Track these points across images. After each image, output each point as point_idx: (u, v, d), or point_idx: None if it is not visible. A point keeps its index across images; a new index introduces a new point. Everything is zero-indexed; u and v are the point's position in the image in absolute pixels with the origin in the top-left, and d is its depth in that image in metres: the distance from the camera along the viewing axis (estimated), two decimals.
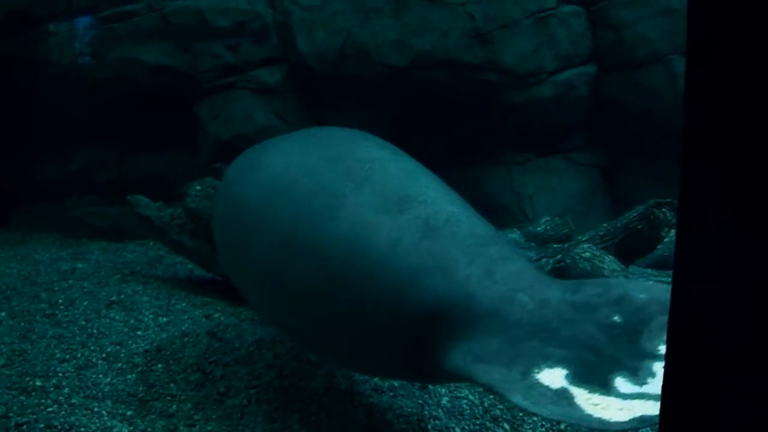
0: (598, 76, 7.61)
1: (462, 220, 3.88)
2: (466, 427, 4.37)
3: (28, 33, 8.78)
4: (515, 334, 3.40)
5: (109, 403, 4.79)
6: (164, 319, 6.18)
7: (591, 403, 3.11)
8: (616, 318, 3.38)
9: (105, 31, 8.39)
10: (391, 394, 4.83)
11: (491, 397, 4.70)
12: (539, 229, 5.94)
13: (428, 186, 4.16)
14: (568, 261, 4.90)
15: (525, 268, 3.71)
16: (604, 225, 5.34)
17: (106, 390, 4.97)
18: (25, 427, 4.52)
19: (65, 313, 6.38)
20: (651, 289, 3.50)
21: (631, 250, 5.12)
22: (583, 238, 5.31)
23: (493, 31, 7.25)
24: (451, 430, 4.35)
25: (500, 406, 4.59)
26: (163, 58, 8.09)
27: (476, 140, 7.75)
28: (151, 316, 6.26)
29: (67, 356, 5.53)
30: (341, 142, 4.75)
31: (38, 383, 5.11)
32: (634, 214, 5.08)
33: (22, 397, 4.91)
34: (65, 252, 8.31)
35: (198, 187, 6.57)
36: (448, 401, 4.69)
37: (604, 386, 3.16)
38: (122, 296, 6.72)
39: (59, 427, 4.49)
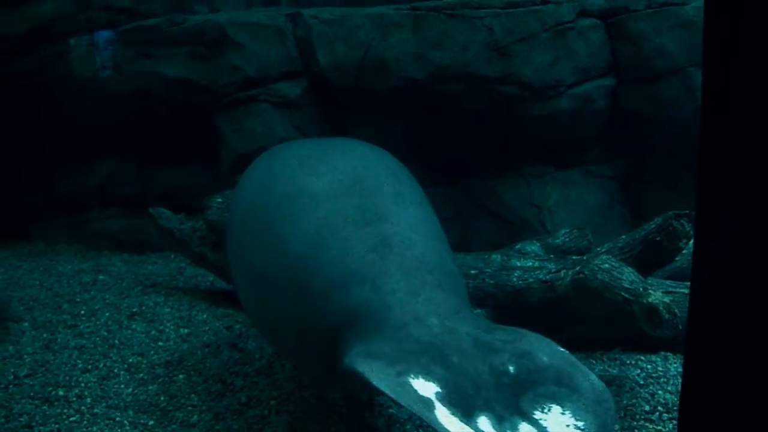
0: (616, 89, 7.61)
1: (416, 246, 4.06)
2: None
3: (50, 47, 8.85)
4: (410, 347, 3.56)
5: (131, 413, 4.83)
6: (185, 330, 6.22)
7: (447, 418, 3.23)
8: (510, 368, 3.47)
9: (126, 45, 8.45)
10: None
11: None
12: (558, 241, 5.95)
13: (406, 211, 4.35)
14: (587, 272, 4.92)
15: (451, 300, 3.85)
16: (623, 237, 5.34)
17: (128, 400, 5.01)
18: None
19: (87, 324, 6.43)
20: (558, 356, 3.56)
21: (649, 261, 5.12)
22: (602, 250, 5.31)
23: (512, 44, 7.27)
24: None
25: None
26: (183, 71, 8.14)
27: (495, 153, 7.77)
28: (172, 327, 6.30)
29: (90, 366, 5.58)
30: (343, 154, 4.92)
31: (61, 393, 5.16)
32: (653, 226, 5.07)
33: (44, 407, 4.96)
34: (87, 264, 8.36)
35: (219, 200, 6.60)
36: None
37: (466, 415, 3.27)
38: (144, 308, 6.77)
39: None
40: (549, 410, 3.29)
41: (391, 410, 4.77)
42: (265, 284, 4.39)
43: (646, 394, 4.82)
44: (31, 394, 5.16)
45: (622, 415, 4.56)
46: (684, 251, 5.16)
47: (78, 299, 7.12)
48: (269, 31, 7.93)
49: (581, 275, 4.96)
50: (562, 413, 3.29)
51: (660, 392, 4.83)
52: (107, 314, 6.66)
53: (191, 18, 8.15)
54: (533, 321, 5.25)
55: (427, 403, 3.29)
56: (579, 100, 7.46)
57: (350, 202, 4.30)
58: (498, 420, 3.27)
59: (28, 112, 8.91)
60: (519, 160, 7.82)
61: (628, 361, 5.33)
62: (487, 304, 5.39)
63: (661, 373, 5.11)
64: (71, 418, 4.78)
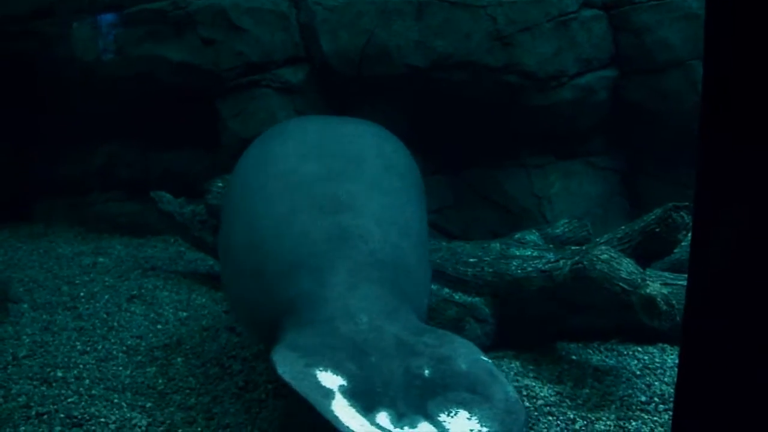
0: (619, 80, 7.60)
1: (373, 240, 4.14)
2: None
3: (53, 30, 8.85)
4: (333, 342, 3.65)
5: (128, 395, 4.84)
6: (184, 313, 6.24)
7: (343, 408, 3.31)
8: (426, 371, 3.54)
9: (129, 28, 8.44)
10: None
11: None
12: (557, 231, 5.96)
13: (378, 200, 4.43)
14: (585, 263, 4.92)
15: (389, 298, 3.91)
16: (622, 228, 5.35)
17: (126, 382, 5.02)
18: (45, 417, 4.57)
19: (86, 306, 6.45)
20: (477, 364, 3.61)
21: (648, 252, 5.12)
22: (601, 241, 5.32)
23: (515, 34, 7.26)
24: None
25: None
26: (186, 55, 8.13)
27: (496, 142, 7.77)
28: (171, 310, 6.32)
29: (88, 348, 5.59)
30: (340, 136, 5.07)
31: (59, 374, 5.17)
32: (652, 217, 5.08)
33: (43, 388, 4.97)
34: (87, 246, 8.38)
35: (220, 184, 6.61)
36: None
37: (366, 409, 3.35)
38: (143, 291, 6.78)
39: (79, 417, 4.54)
40: (455, 414, 3.35)
41: None
42: (233, 260, 4.53)
43: (643, 385, 4.83)
44: (30, 374, 5.17)
45: (619, 405, 4.58)
46: (683, 243, 5.16)
47: (77, 281, 7.13)
48: (273, 16, 7.93)
49: (580, 265, 4.97)
50: (469, 418, 3.34)
51: (656, 383, 4.84)
52: (106, 297, 6.67)
53: (195, 2, 8.13)
54: (532, 310, 5.29)
55: (327, 393, 3.37)
56: (581, 91, 7.46)
57: (324, 189, 4.39)
58: (398, 417, 3.33)
59: (30, 94, 8.92)
60: (520, 149, 7.83)
61: (625, 352, 5.35)
62: (486, 293, 5.40)
63: (658, 365, 5.12)
64: (69, 399, 4.79)
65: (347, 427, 3.22)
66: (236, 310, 4.72)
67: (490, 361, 3.64)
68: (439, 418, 3.33)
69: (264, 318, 4.13)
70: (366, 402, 3.38)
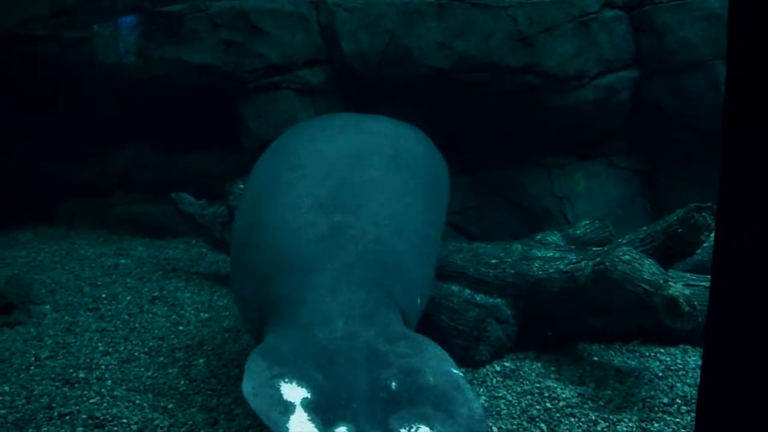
0: (640, 81, 7.58)
1: (365, 241, 4.13)
2: (503, 427, 4.38)
3: (74, 33, 8.88)
4: (305, 350, 3.65)
5: (150, 395, 4.85)
6: (206, 315, 6.25)
7: (301, 424, 3.32)
8: (393, 384, 3.52)
9: (149, 31, 8.46)
10: None
11: (529, 397, 4.73)
12: (579, 232, 5.94)
13: (378, 199, 4.43)
14: (607, 263, 4.91)
15: (371, 301, 3.90)
16: (644, 228, 5.33)
17: (147, 383, 5.04)
18: (68, 417, 4.59)
19: (108, 307, 6.47)
20: (446, 378, 3.58)
21: (671, 253, 5.10)
22: (623, 241, 5.31)
23: (536, 35, 7.25)
24: (489, 429, 4.37)
25: (538, 407, 4.61)
26: (207, 58, 8.15)
27: (517, 143, 7.76)
28: (192, 312, 6.33)
29: (110, 349, 5.61)
30: (357, 133, 5.14)
31: (81, 375, 5.19)
32: (675, 218, 5.06)
33: (65, 389, 4.99)
34: (109, 248, 8.41)
35: (241, 186, 6.62)
36: (485, 401, 4.71)
37: (326, 424, 3.35)
38: (164, 292, 6.80)
39: (101, 418, 4.56)
40: (417, 430, 3.34)
41: None
42: (234, 255, 4.62)
43: (665, 387, 4.81)
44: (52, 375, 5.19)
45: (641, 406, 4.57)
46: (705, 244, 5.14)
47: (99, 283, 7.16)
48: (293, 18, 7.94)
49: (602, 266, 4.95)
50: None
51: (679, 385, 4.82)
52: (128, 298, 6.69)
53: (215, 4, 8.16)
54: (553, 311, 5.28)
55: (287, 407, 3.38)
56: (602, 92, 7.44)
57: (326, 186, 4.41)
58: None
59: (51, 96, 8.95)
60: (541, 150, 7.81)
61: (647, 353, 5.33)
62: (508, 294, 5.39)
63: (680, 366, 5.10)
64: (91, 400, 4.81)
65: None
66: (236, 306, 4.73)
67: (460, 374, 3.61)
68: None
69: (254, 316, 4.18)
70: (327, 416, 3.39)
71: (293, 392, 3.45)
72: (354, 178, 4.50)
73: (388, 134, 5.12)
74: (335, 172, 4.53)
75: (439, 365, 3.63)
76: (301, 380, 3.51)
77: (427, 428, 3.34)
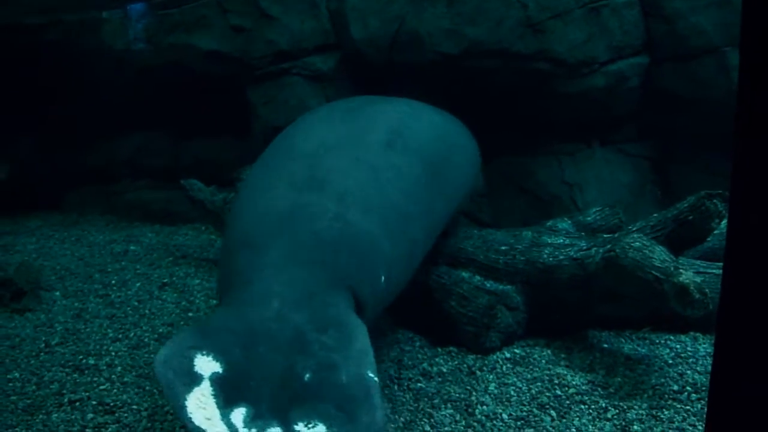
0: (651, 67, 7.54)
1: (323, 219, 4.17)
2: (513, 413, 4.39)
3: (82, 19, 8.87)
4: (233, 327, 3.72)
5: None
6: (215, 301, 6.25)
7: (198, 399, 3.40)
8: (306, 376, 3.56)
9: (159, 17, 8.45)
10: (440, 379, 4.86)
11: (539, 384, 4.74)
12: (589, 218, 5.93)
13: (357, 179, 4.46)
14: (617, 250, 4.90)
15: (313, 282, 3.94)
16: (655, 215, 5.32)
17: None
18: (78, 403, 4.61)
19: (118, 293, 6.48)
20: (359, 380, 3.58)
21: (681, 240, 5.10)
22: (634, 228, 5.30)
23: (546, 21, 7.22)
24: (498, 415, 4.37)
25: (548, 394, 4.62)
26: (216, 44, 8.14)
27: (527, 130, 7.74)
28: (202, 298, 6.34)
29: (120, 336, 5.63)
30: (359, 112, 5.22)
31: (91, 361, 5.21)
32: (686, 205, 5.06)
33: (75, 375, 5.01)
34: (118, 234, 8.42)
35: None
36: (495, 387, 4.71)
37: (228, 401, 3.43)
38: (174, 278, 6.82)
39: (111, 404, 4.58)
40: (313, 427, 3.38)
41: (419, 384, 4.79)
42: (227, 228, 4.71)
43: (675, 374, 4.81)
44: (62, 362, 5.21)
45: (651, 394, 4.56)
46: (716, 231, 5.14)
47: (109, 269, 7.17)
48: (302, 3, 7.91)
49: (612, 253, 4.95)
50: None
51: (689, 372, 4.82)
52: (138, 284, 6.70)
53: None
54: (563, 298, 5.27)
55: (194, 379, 3.46)
56: (613, 78, 7.41)
57: (307, 164, 4.48)
58: (254, 416, 3.39)
59: (60, 83, 8.95)
60: (551, 137, 7.79)
61: (657, 341, 5.33)
62: (518, 281, 5.39)
63: (690, 354, 5.09)
64: (101, 386, 4.83)
65: (190, 418, 3.32)
66: None
67: (375, 380, 3.59)
68: (295, 427, 3.37)
69: (218, 292, 4.28)
70: (231, 394, 3.45)
71: (206, 365, 3.53)
72: (334, 156, 4.55)
73: (391, 118, 5.10)
74: (320, 155, 4.57)
75: (358, 366, 3.63)
76: (218, 355, 3.58)
77: (324, 428, 3.38)
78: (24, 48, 8.81)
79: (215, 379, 3.48)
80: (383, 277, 4.25)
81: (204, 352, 3.57)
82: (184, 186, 7.43)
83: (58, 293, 6.54)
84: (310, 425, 3.37)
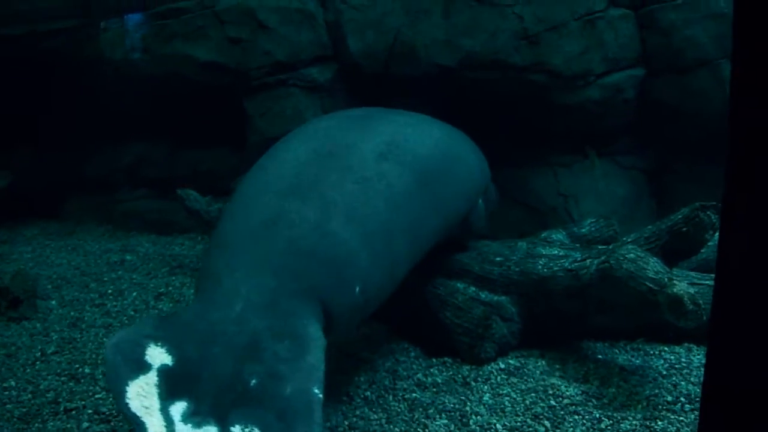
0: (646, 80, 7.57)
1: (300, 228, 4.18)
2: (508, 424, 4.40)
3: (81, 29, 8.89)
4: (194, 325, 3.77)
5: None
6: None
7: (140, 387, 3.46)
8: (252, 382, 3.58)
9: (157, 27, 8.47)
10: (434, 390, 4.87)
11: (533, 394, 4.75)
12: (584, 230, 5.95)
13: (343, 190, 4.44)
14: (612, 262, 4.92)
15: (278, 291, 3.94)
16: (649, 227, 5.34)
17: None
18: (74, 412, 4.62)
19: (114, 303, 6.49)
20: (303, 395, 3.58)
21: (675, 252, 5.12)
22: (628, 240, 5.31)
23: (542, 33, 7.25)
24: (493, 426, 4.38)
25: (542, 404, 4.62)
26: (213, 55, 8.16)
27: (523, 141, 7.76)
28: None
29: None
30: (356, 122, 5.19)
31: (87, 370, 5.21)
32: (679, 217, 5.07)
33: (71, 384, 5.01)
34: (115, 244, 8.43)
35: None
36: (490, 398, 4.72)
37: (170, 394, 3.48)
38: (170, 288, 6.82)
39: (107, 413, 4.58)
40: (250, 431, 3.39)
41: (414, 395, 4.80)
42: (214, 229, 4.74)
43: (669, 385, 4.82)
44: (58, 370, 5.21)
45: (645, 405, 4.58)
46: (710, 243, 5.15)
47: (105, 278, 7.18)
48: (299, 15, 7.94)
49: (606, 264, 4.97)
50: None
51: (683, 383, 4.83)
52: (134, 294, 6.71)
53: (222, 1, 8.16)
54: (558, 309, 5.29)
55: (141, 367, 3.52)
56: (608, 90, 7.44)
57: (296, 171, 4.51)
58: (193, 413, 3.42)
59: (57, 93, 8.97)
60: (547, 149, 7.81)
61: (651, 352, 5.34)
62: (512, 292, 5.40)
63: (684, 364, 5.11)
64: (97, 395, 4.83)
65: (127, 404, 3.37)
66: None
67: (319, 396, 3.59)
68: (231, 428, 3.40)
69: (195, 288, 4.33)
70: (176, 388, 3.49)
71: (158, 356, 3.58)
72: (325, 169, 4.53)
73: (390, 129, 5.06)
74: (312, 162, 4.58)
75: (305, 380, 3.63)
76: (172, 348, 3.63)
77: None
78: (22, 57, 8.83)
79: (163, 371, 3.53)
80: (358, 289, 4.23)
81: (159, 344, 3.63)
82: (181, 196, 7.45)
83: (54, 302, 6.55)
84: (246, 429, 3.40)
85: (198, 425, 3.39)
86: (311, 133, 5.02)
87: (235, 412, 3.44)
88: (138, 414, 3.35)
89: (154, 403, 3.41)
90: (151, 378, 3.49)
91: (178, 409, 3.43)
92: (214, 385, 3.53)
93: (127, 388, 3.42)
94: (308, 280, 4.03)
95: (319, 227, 4.18)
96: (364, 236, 4.32)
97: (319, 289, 4.05)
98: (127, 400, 3.39)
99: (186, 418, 3.40)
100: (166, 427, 3.35)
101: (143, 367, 3.51)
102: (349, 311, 4.24)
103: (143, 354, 3.57)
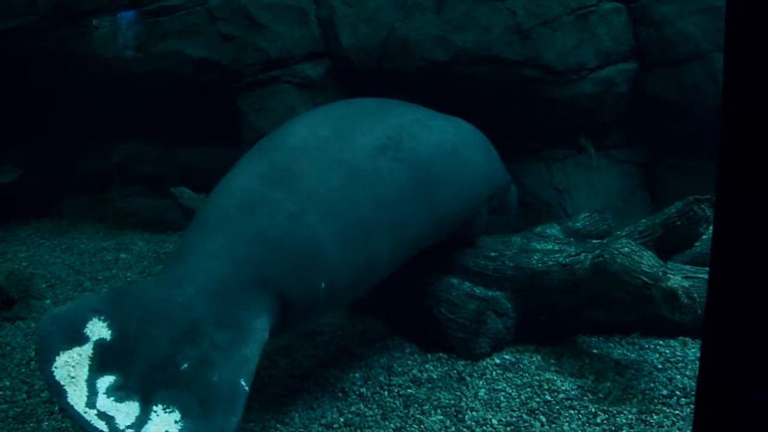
0: (639, 73, 7.57)
1: (273, 217, 4.20)
2: (503, 419, 4.40)
3: (73, 27, 8.86)
4: (141, 301, 3.84)
5: None
6: None
7: (71, 358, 3.55)
8: (184, 365, 3.65)
9: (149, 25, 8.45)
10: (429, 385, 4.87)
11: (528, 389, 4.75)
12: (578, 224, 5.94)
13: (328, 183, 4.43)
14: (606, 256, 4.92)
15: (234, 280, 3.98)
16: (643, 221, 5.34)
17: None
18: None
19: None
20: (228, 384, 3.63)
21: (669, 246, 5.12)
22: (622, 234, 5.32)
23: (535, 28, 7.24)
24: (488, 421, 4.38)
25: (537, 399, 4.63)
26: (206, 52, 8.14)
27: (516, 136, 7.74)
28: None
29: None
30: (355, 114, 5.17)
31: None
32: (673, 210, 5.08)
33: None
34: (109, 242, 8.41)
35: None
36: (485, 393, 4.72)
37: (102, 367, 3.56)
38: None
39: None
40: (170, 412, 3.46)
41: (409, 390, 4.80)
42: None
43: (664, 379, 4.82)
44: None
45: (641, 399, 4.58)
46: (704, 236, 5.16)
47: (100, 277, 7.17)
48: (292, 11, 7.93)
49: (601, 258, 4.97)
50: (176, 422, 3.45)
51: (678, 377, 4.84)
52: None
53: None
54: (552, 303, 5.29)
55: (78, 339, 3.61)
56: (601, 84, 7.44)
57: (284, 158, 4.53)
58: (118, 387, 3.49)
59: (50, 91, 8.94)
60: (540, 143, 7.80)
61: (646, 346, 5.34)
62: (507, 287, 5.40)
63: (679, 358, 5.11)
64: None
65: (52, 373, 3.45)
66: None
67: (245, 389, 3.63)
68: (153, 407, 3.46)
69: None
70: (108, 362, 3.56)
71: (97, 330, 3.66)
72: (313, 159, 4.52)
73: (395, 123, 5.00)
74: (302, 151, 4.58)
75: (234, 371, 3.68)
76: (114, 324, 3.69)
77: (179, 415, 3.46)
78: (14, 55, 8.80)
79: (99, 344, 3.60)
80: (324, 284, 4.23)
81: (102, 318, 3.70)
82: (174, 194, 7.42)
83: (48, 301, 6.53)
84: (167, 410, 3.45)
85: (120, 399, 3.45)
86: (315, 120, 4.97)
87: (160, 392, 3.50)
88: (62, 383, 3.43)
89: (82, 373, 3.49)
90: (85, 350, 3.57)
91: (104, 382, 3.50)
92: (146, 364, 3.59)
93: (57, 358, 3.50)
94: (268, 272, 4.05)
95: (294, 218, 4.19)
96: (339, 232, 4.31)
97: (280, 281, 4.06)
98: (54, 369, 3.47)
99: (110, 391, 3.47)
100: (88, 397, 3.42)
101: (80, 339, 3.60)
102: (311, 305, 4.26)
103: (84, 326, 3.65)
